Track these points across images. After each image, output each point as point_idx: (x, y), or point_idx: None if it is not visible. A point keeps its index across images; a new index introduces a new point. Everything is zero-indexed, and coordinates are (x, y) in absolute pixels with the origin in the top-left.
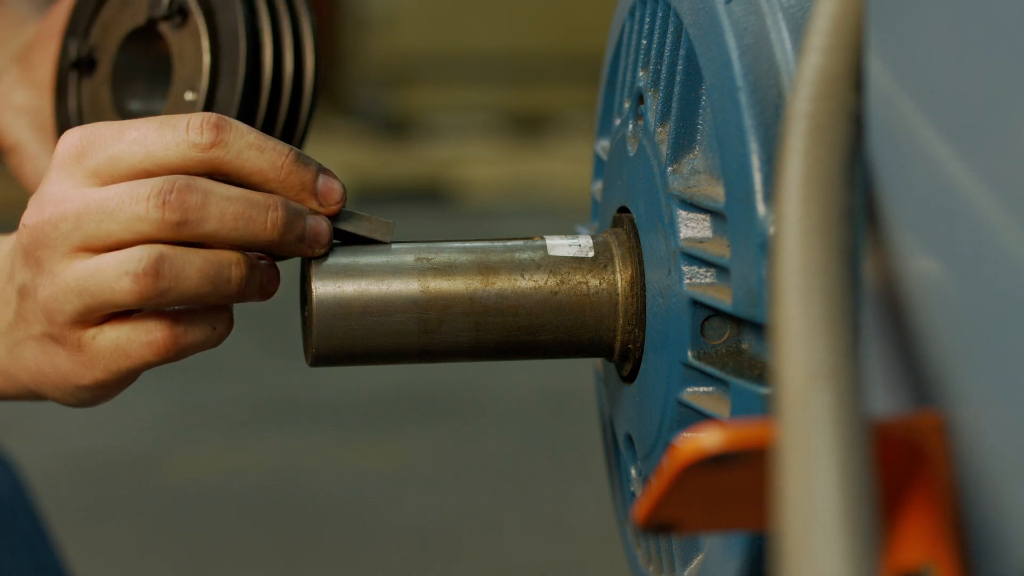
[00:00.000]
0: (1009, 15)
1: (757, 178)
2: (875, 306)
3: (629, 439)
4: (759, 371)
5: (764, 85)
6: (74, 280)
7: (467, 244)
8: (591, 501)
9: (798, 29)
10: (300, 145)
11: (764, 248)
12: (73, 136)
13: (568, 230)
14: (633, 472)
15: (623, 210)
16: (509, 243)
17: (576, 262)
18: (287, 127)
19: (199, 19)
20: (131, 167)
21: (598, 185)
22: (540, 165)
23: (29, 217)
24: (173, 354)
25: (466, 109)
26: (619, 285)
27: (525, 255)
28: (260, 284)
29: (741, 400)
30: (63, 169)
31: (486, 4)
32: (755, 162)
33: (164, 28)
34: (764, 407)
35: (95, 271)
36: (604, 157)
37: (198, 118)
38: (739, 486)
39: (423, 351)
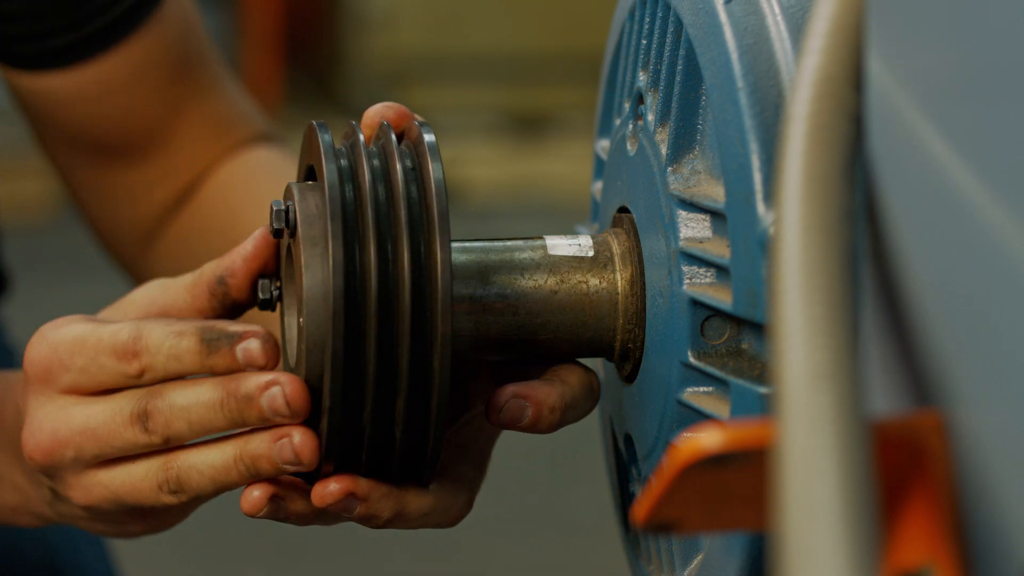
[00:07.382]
0: (1009, 14)
1: (757, 178)
2: (875, 306)
3: (629, 439)
4: (759, 371)
5: (764, 85)
6: (109, 492)
7: (467, 244)
8: (591, 501)
9: (798, 29)
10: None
11: (764, 248)
12: (39, 353)
13: (568, 230)
14: (633, 472)
15: (623, 210)
16: (509, 243)
17: (576, 262)
18: (416, 342)
19: (301, 232)
20: (99, 383)
21: (598, 185)
22: (540, 165)
23: (28, 444)
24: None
25: (466, 109)
26: (619, 285)
27: (525, 255)
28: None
29: (741, 400)
30: (39, 392)
31: (486, 4)
32: (755, 162)
33: (290, 244)
34: (764, 407)
35: (131, 489)
36: (604, 157)
37: (121, 348)
38: (739, 486)
39: None
